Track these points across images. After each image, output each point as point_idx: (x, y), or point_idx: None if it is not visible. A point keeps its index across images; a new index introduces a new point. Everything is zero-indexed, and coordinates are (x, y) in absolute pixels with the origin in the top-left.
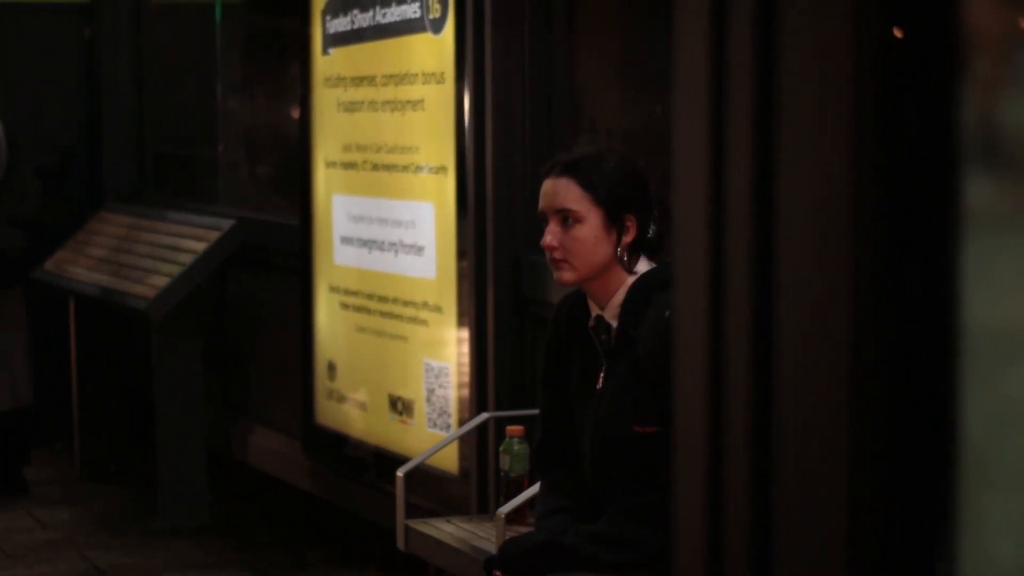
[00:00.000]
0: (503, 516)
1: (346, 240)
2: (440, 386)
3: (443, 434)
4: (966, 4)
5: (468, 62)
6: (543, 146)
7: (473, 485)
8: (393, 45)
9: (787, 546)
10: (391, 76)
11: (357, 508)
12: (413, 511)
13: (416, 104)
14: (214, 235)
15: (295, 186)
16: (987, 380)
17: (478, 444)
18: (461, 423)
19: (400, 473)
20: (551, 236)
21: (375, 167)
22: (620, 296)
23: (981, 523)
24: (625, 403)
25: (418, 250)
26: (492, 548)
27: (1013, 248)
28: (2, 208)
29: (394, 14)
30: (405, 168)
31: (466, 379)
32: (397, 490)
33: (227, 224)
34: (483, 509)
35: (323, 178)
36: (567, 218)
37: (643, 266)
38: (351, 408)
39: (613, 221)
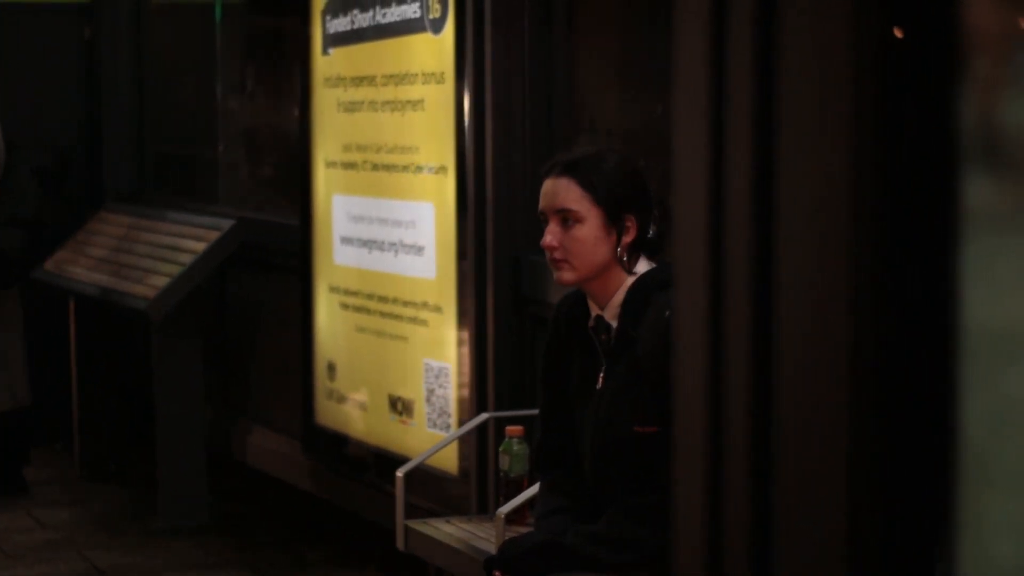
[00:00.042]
0: (503, 516)
1: (346, 240)
2: (440, 386)
3: (443, 434)
4: (966, 4)
5: (468, 62)
6: (543, 146)
7: (473, 485)
8: (393, 45)
9: (787, 546)
10: (391, 76)
11: (357, 508)
12: (413, 511)
13: (416, 104)
14: (214, 235)
15: (295, 186)
16: (987, 380)
17: (478, 444)
18: (461, 423)
19: (400, 473)
20: (551, 236)
21: (375, 167)
22: (620, 296)
23: (981, 523)
24: (625, 403)
25: (418, 250)
26: (492, 548)
27: (1013, 248)
28: (1, 208)
29: (394, 14)
30: (405, 168)
31: (466, 379)
32: (397, 490)
33: (227, 224)
34: (483, 509)
35: (323, 178)
36: (567, 218)
37: (643, 266)
38: (351, 408)
39: (613, 221)
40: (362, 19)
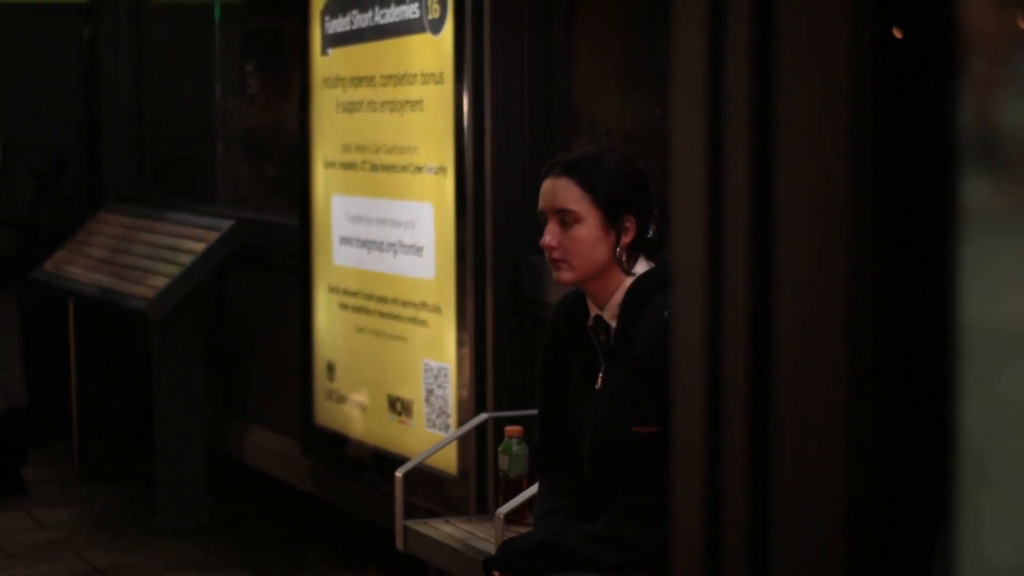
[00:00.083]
0: (502, 516)
1: (345, 240)
2: (439, 386)
3: (442, 434)
4: (964, 4)
5: (467, 62)
6: (542, 146)
7: (472, 485)
8: (392, 45)
9: (785, 546)
10: (390, 76)
11: (356, 508)
12: (412, 511)
13: (415, 104)
14: (213, 235)
15: (294, 186)
16: (985, 380)
17: (477, 444)
18: (460, 423)
19: (399, 473)
20: (550, 236)
21: (374, 167)
22: (619, 296)
23: (979, 523)
24: (624, 403)
25: (417, 250)
26: (491, 548)
27: (1011, 248)
28: None
29: (393, 14)
30: (404, 168)
31: (465, 379)
32: (396, 490)
33: (226, 224)
34: (482, 509)
35: (322, 178)
36: (566, 218)
37: (642, 266)
38: (350, 408)
39: (612, 221)
40: (361, 19)
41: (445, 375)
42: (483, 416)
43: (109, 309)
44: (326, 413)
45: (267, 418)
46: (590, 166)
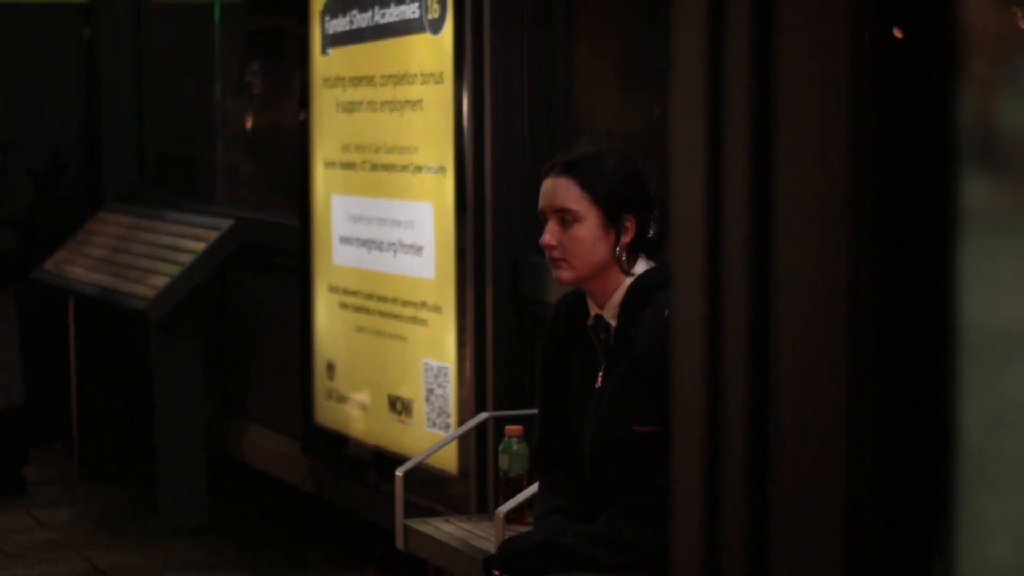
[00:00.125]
0: (502, 516)
1: (345, 240)
2: (439, 386)
3: (442, 434)
4: (964, 4)
5: (467, 62)
6: (542, 146)
7: (472, 485)
8: (392, 45)
9: (785, 545)
10: (390, 76)
11: (357, 508)
12: (412, 511)
13: (415, 104)
14: (213, 235)
15: (294, 186)
16: (985, 380)
17: (477, 444)
18: (460, 423)
19: (399, 473)
20: (550, 235)
21: (374, 167)
22: (619, 295)
23: (979, 523)
24: (624, 402)
25: (417, 250)
26: (491, 548)
27: (1010, 248)
28: None
29: (393, 14)
30: (404, 168)
31: (465, 379)
32: (396, 490)
33: (226, 224)
34: (482, 509)
35: (322, 178)
36: (566, 217)
37: (642, 266)
38: (350, 408)
39: (612, 221)
40: (361, 19)
41: (445, 374)
42: (483, 415)
43: (109, 309)
44: (326, 413)
45: (267, 418)
46: (590, 166)
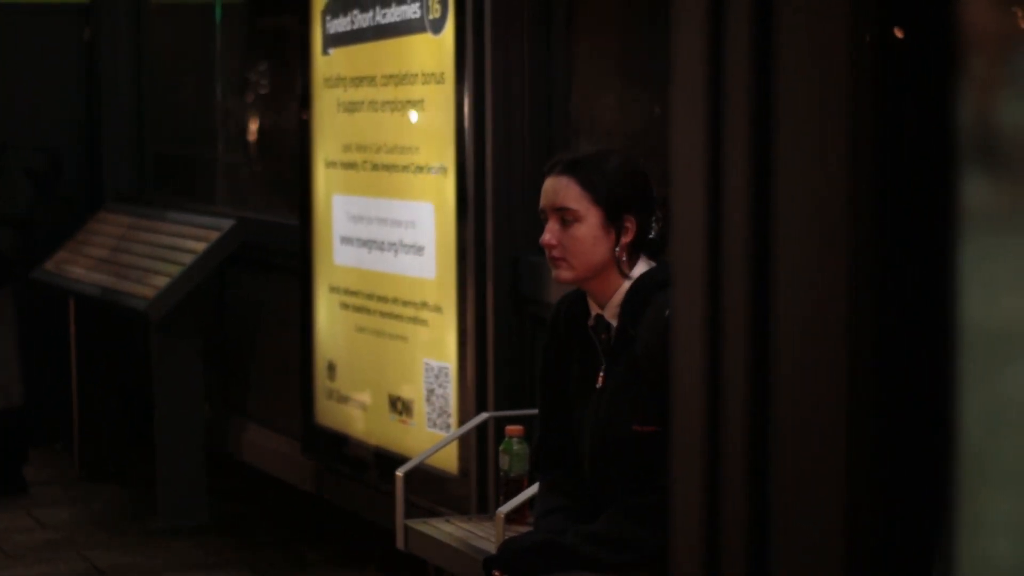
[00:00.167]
0: (502, 516)
1: (346, 240)
2: (440, 386)
3: (443, 434)
4: (964, 4)
5: (468, 62)
6: (542, 146)
7: (473, 485)
8: (393, 45)
9: (785, 545)
10: (391, 76)
11: (357, 508)
12: (413, 511)
13: (416, 104)
14: (214, 235)
15: (295, 186)
16: (984, 380)
17: (478, 444)
18: (461, 423)
19: (400, 473)
20: (550, 234)
21: (375, 167)
22: (620, 295)
23: (978, 522)
24: (624, 402)
25: (418, 250)
26: (491, 548)
27: (1010, 248)
28: None
29: (394, 14)
30: (405, 168)
31: (466, 379)
32: (397, 490)
33: (227, 224)
34: (483, 509)
35: (323, 178)
36: (566, 217)
37: (642, 266)
38: (351, 408)
39: (612, 221)
40: (362, 19)
41: (446, 375)
42: (484, 415)
43: (109, 309)
44: (326, 413)
45: (267, 418)
46: (592, 165)
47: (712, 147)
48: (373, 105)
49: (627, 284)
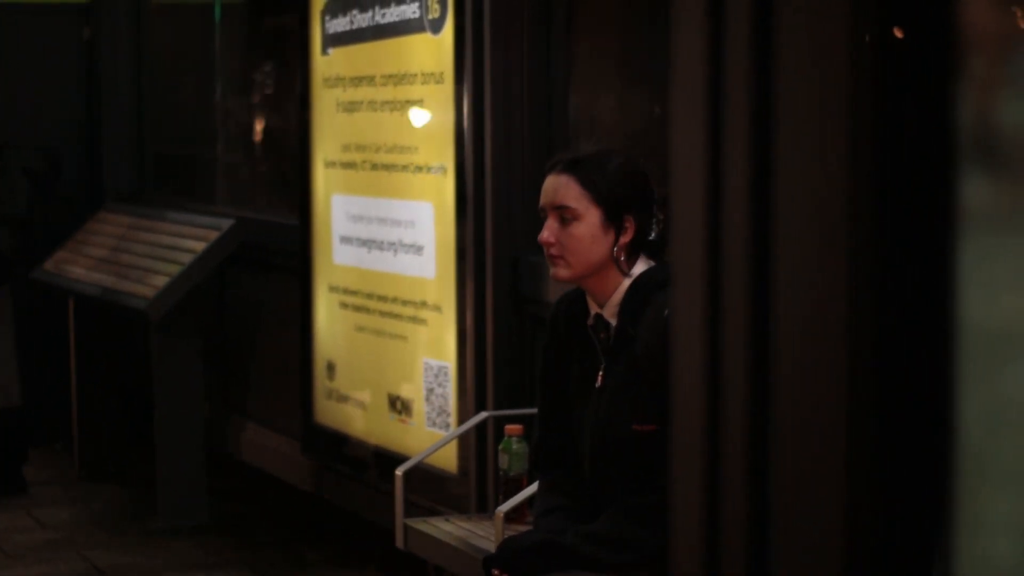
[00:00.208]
0: (502, 515)
1: (345, 240)
2: (439, 385)
3: (442, 433)
4: (964, 4)
5: (467, 62)
6: (542, 146)
7: (472, 484)
8: (392, 45)
9: (784, 545)
10: (390, 76)
11: (357, 508)
12: (412, 510)
13: (415, 104)
14: (213, 235)
15: (294, 186)
16: (984, 379)
17: (477, 443)
18: (460, 422)
19: (399, 472)
20: (548, 232)
21: (374, 167)
22: (619, 295)
23: (978, 522)
24: (624, 402)
25: (417, 250)
26: (491, 547)
27: (1010, 248)
28: None
29: (393, 14)
30: (404, 168)
31: (465, 378)
32: (396, 489)
33: (226, 224)
34: (482, 508)
35: (322, 178)
36: (565, 215)
37: (641, 266)
38: (350, 408)
39: (611, 221)
40: (361, 19)
41: (445, 374)
42: (483, 415)
43: (109, 309)
44: (326, 412)
45: (267, 417)
46: (592, 165)
47: (712, 147)
48: (372, 105)
49: (626, 283)
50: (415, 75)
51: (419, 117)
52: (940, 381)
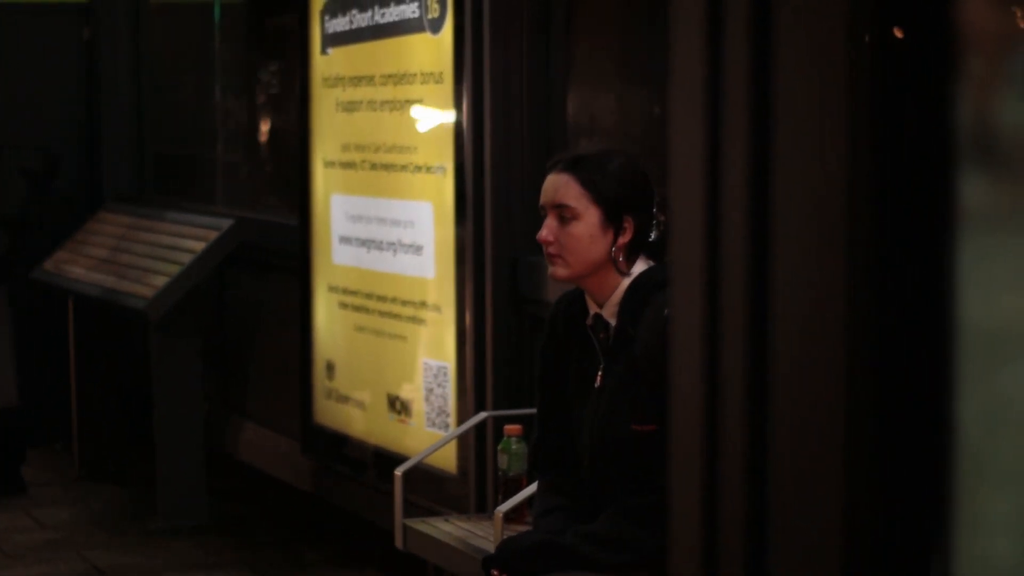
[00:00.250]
0: (501, 515)
1: (345, 240)
2: (439, 385)
3: (441, 433)
4: (963, 4)
5: (467, 62)
6: (541, 146)
7: (471, 484)
8: (392, 45)
9: (783, 545)
10: (390, 76)
11: (356, 508)
12: (412, 510)
13: (415, 104)
14: (213, 235)
15: (294, 186)
16: (982, 379)
17: (476, 443)
18: (459, 422)
19: (398, 472)
20: (547, 231)
21: (374, 167)
22: (618, 295)
23: (976, 521)
24: (623, 402)
25: (417, 250)
26: (490, 547)
27: (1009, 247)
28: None
29: (392, 14)
30: (404, 168)
31: (465, 378)
32: (395, 489)
33: (226, 224)
34: (481, 508)
35: (322, 178)
36: (564, 214)
37: (640, 267)
38: (350, 408)
39: (611, 221)
40: (361, 19)
41: (444, 374)
42: (482, 415)
43: (109, 309)
44: (326, 412)
45: (267, 418)
46: (593, 164)
47: (711, 146)
48: (372, 105)
49: (625, 283)
50: (414, 75)
51: (418, 117)
52: (939, 381)
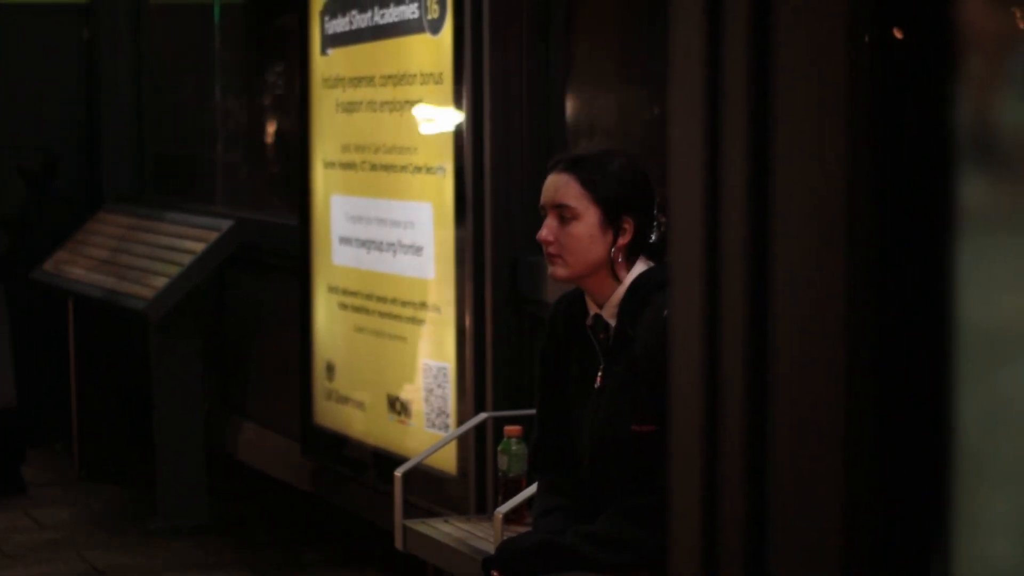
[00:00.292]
0: (501, 516)
1: (344, 240)
2: (438, 386)
3: (441, 434)
4: (962, 4)
5: (466, 63)
6: (541, 147)
7: (471, 485)
8: (391, 45)
9: (783, 544)
10: (389, 76)
11: (356, 508)
12: (411, 511)
13: (415, 104)
14: (213, 235)
15: (294, 186)
16: (982, 379)
17: (476, 444)
18: (459, 423)
19: (398, 473)
20: (547, 230)
21: (373, 167)
22: (618, 295)
23: (976, 521)
24: (623, 402)
25: (416, 250)
26: (490, 548)
27: (1008, 247)
28: None
29: (392, 15)
30: (403, 168)
31: (464, 379)
32: (395, 490)
33: (226, 224)
34: (481, 509)
35: (322, 178)
36: (564, 214)
37: (640, 267)
38: (350, 408)
39: (611, 221)
40: (360, 20)
41: (444, 375)
42: (482, 416)
43: (109, 309)
44: (326, 413)
45: (267, 418)
46: (593, 165)
47: (710, 146)
48: (372, 105)
49: (625, 284)
50: (414, 75)
51: (418, 118)
52: (938, 381)
